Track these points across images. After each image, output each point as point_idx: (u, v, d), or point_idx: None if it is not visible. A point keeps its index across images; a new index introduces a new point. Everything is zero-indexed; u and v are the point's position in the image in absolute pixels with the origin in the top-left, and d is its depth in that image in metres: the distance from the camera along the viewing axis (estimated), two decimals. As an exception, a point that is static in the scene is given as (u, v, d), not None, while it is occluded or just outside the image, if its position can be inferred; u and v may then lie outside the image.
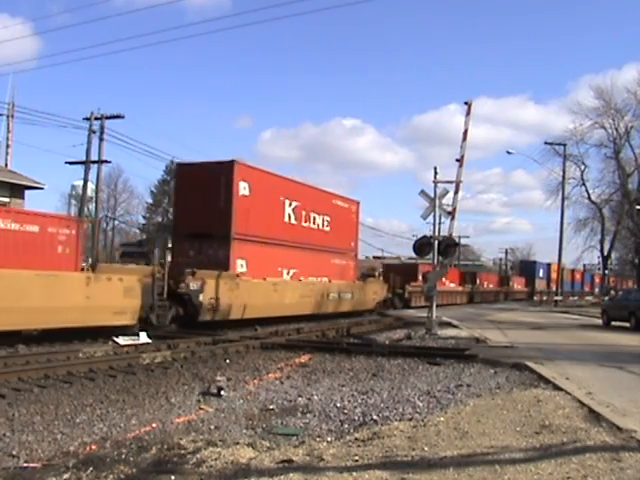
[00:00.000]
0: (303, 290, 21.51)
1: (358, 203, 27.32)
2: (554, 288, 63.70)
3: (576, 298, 61.55)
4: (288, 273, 21.17)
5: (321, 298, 22.42)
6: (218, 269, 17.40)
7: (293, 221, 21.65)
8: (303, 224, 22.35)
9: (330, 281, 23.56)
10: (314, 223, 23.25)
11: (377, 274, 29.79)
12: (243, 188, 18.58)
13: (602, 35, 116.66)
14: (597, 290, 76.48)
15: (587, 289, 76.52)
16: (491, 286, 53.73)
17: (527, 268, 70.47)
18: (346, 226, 25.88)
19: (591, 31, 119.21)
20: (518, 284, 63.38)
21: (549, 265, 70.55)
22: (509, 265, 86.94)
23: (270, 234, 20.01)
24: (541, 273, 68.85)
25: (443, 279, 35.64)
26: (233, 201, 18.23)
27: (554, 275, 67.22)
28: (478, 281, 48.79)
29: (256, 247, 19.22)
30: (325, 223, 23.97)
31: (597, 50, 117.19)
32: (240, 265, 18.56)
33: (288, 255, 21.10)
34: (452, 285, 40.70)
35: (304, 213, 22.43)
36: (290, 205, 21.39)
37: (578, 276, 72.56)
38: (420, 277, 33.23)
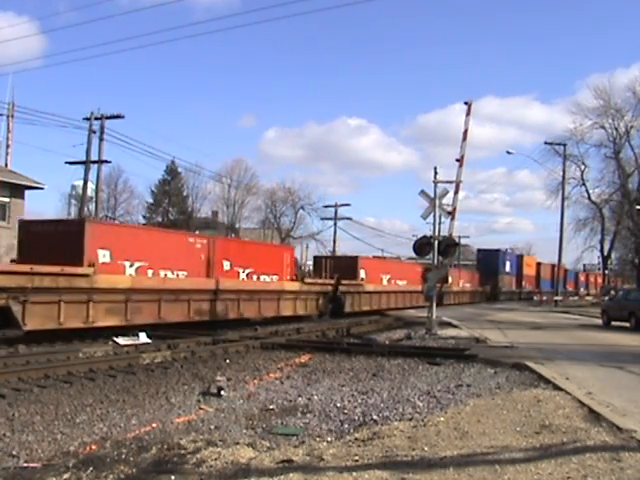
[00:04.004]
0: None
1: None
2: (527, 287, 57.42)
3: (576, 298, 60.71)
4: None
5: None
6: None
7: None
8: None
9: None
10: None
11: None
12: None
13: (609, 34, 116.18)
14: (582, 289, 74.02)
15: (570, 288, 66.18)
16: (401, 284, 32.49)
17: (487, 260, 51.34)
18: None
19: (598, 30, 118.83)
20: (465, 281, 45.02)
21: (520, 257, 58.95)
22: None
23: None
24: (507, 267, 53.50)
25: (288, 271, 22.93)
26: None
27: (528, 271, 58.65)
28: (364, 275, 27.90)
29: None
30: None
31: (604, 49, 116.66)
32: None
33: None
34: (287, 282, 22.79)
35: None
36: None
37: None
38: (86, 256, 14.19)
